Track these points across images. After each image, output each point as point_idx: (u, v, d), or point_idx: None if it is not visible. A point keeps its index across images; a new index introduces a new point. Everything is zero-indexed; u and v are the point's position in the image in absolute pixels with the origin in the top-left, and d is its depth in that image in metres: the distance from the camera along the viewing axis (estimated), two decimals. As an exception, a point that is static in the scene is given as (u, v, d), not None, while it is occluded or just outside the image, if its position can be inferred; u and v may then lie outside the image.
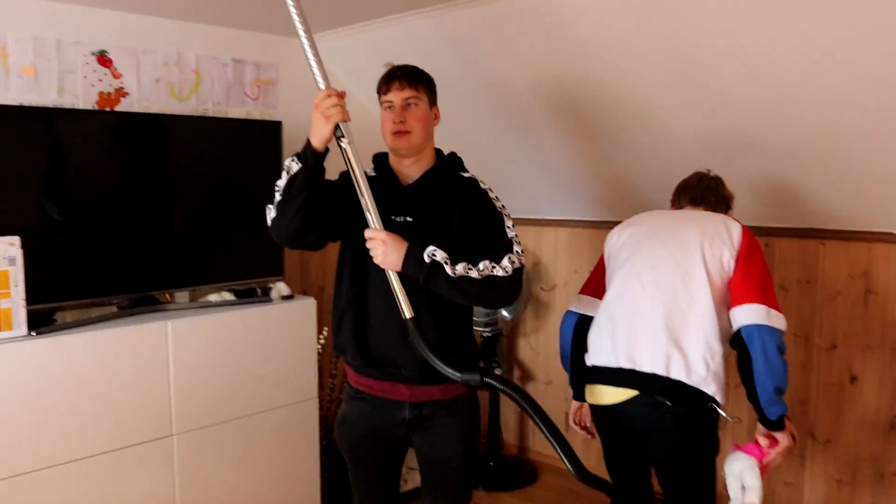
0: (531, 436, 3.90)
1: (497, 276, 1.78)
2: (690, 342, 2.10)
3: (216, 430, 2.55)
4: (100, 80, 2.65)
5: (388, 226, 1.81)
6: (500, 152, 3.37)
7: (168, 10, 2.71)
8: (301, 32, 1.74)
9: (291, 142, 2.91)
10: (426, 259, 1.74)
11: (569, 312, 2.42)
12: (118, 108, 2.69)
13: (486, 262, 1.79)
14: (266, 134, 2.84)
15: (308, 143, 1.73)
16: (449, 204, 1.90)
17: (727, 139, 2.64)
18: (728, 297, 2.14)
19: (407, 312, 1.76)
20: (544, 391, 3.82)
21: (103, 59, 2.66)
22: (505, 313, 3.54)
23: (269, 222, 1.82)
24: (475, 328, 3.51)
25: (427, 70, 1.96)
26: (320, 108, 1.70)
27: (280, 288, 2.79)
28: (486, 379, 1.72)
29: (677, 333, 2.11)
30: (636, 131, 2.84)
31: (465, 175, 1.98)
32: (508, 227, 1.89)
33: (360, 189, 1.77)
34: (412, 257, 1.74)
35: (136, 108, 2.73)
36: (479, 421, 2.04)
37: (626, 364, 2.15)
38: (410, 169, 1.93)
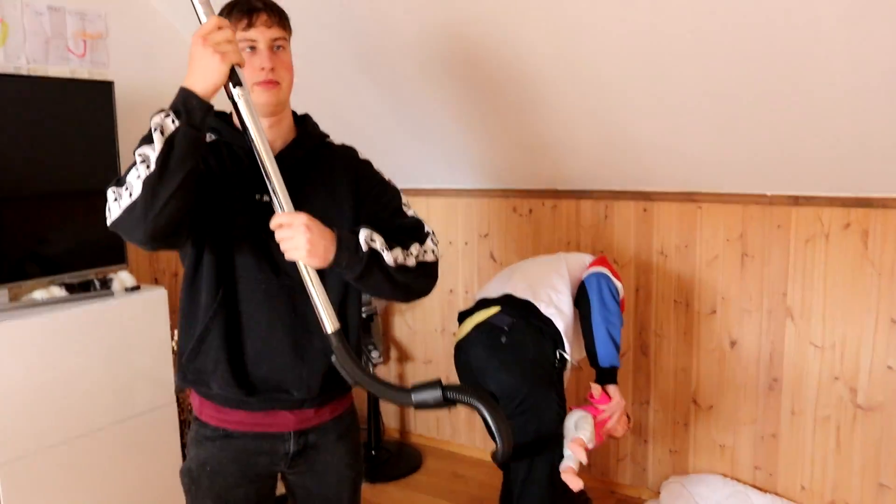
0: (412, 419, 3.71)
1: (428, 262, 1.50)
2: (538, 283, 2.43)
3: (52, 454, 2.14)
4: None
5: (253, 206, 1.44)
6: (361, 112, 3.09)
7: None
8: None
9: (125, 106, 2.49)
10: (363, 247, 1.38)
11: None
12: None
13: (416, 245, 1.48)
14: (95, 96, 2.40)
15: (187, 92, 1.27)
16: (328, 178, 1.55)
17: (606, 99, 2.52)
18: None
19: (330, 325, 1.34)
20: (424, 370, 3.63)
21: None
22: (379, 291, 3.29)
23: (116, 211, 1.28)
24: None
25: None
26: (211, 42, 1.25)
27: (123, 278, 2.39)
28: (450, 395, 1.30)
29: (531, 280, 2.45)
30: (513, 91, 2.65)
31: (336, 143, 1.65)
32: (406, 205, 1.59)
33: (262, 160, 1.33)
34: (346, 247, 1.35)
35: (-78, 65, 2.21)
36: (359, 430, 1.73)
37: (479, 296, 2.50)
38: (269, 132, 1.49)
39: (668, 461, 3.04)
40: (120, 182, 1.29)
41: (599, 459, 3.18)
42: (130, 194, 1.26)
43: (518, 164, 3.07)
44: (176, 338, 2.19)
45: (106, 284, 2.35)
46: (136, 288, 2.40)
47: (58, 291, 2.25)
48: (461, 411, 3.52)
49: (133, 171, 1.26)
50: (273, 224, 1.33)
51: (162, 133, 1.25)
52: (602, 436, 2.36)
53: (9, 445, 2.05)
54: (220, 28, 1.27)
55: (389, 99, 2.95)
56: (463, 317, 2.50)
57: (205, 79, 1.27)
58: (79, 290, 2.30)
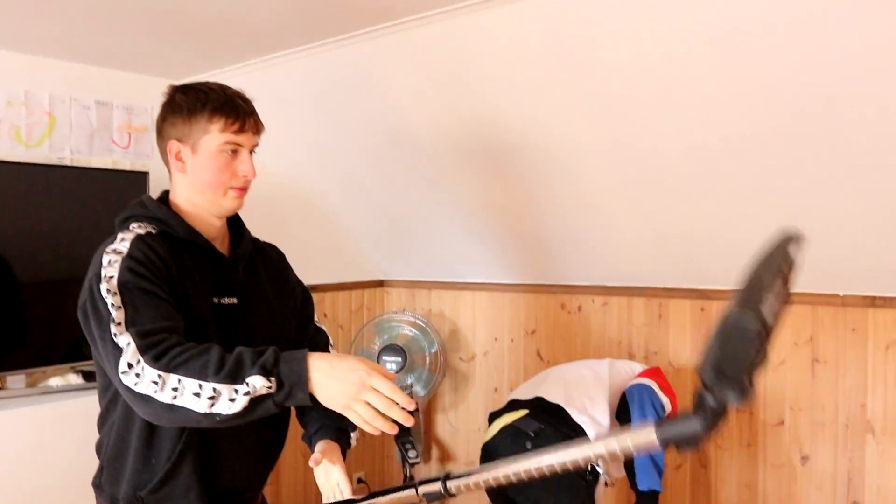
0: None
1: None
2: (574, 387, 2.27)
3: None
4: (-78, 122, 2.22)
5: (212, 309, 1.40)
6: (407, 208, 3.04)
7: (14, 41, 2.30)
8: None
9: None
10: None
11: None
12: (-55, 155, 2.25)
13: None
14: (130, 185, 2.43)
15: (305, 384, 1.17)
16: (274, 277, 1.57)
17: (656, 193, 2.37)
18: None
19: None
20: (466, 475, 3.40)
21: (-75, 96, 2.23)
22: (419, 388, 3.14)
23: (143, 389, 1.18)
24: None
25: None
26: (368, 397, 1.15)
27: (144, 367, 2.34)
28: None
29: (567, 385, 2.29)
30: (557, 184, 2.54)
31: (261, 240, 1.62)
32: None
33: None
34: None
35: (-31, 155, 2.29)
36: None
37: (511, 397, 2.37)
38: (218, 231, 1.48)
39: (733, 593, 2.68)
40: (170, 367, 1.19)
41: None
42: (174, 399, 1.17)
43: (566, 258, 2.92)
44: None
45: (126, 373, 2.30)
46: (155, 378, 2.34)
47: (74, 378, 2.22)
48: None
49: (193, 383, 1.17)
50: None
51: (250, 395, 1.15)
52: None
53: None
54: (389, 399, 1.15)
55: (430, 190, 2.89)
56: (493, 417, 2.34)
57: (327, 397, 1.17)
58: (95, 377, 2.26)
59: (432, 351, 3.15)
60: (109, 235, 1.44)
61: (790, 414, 2.57)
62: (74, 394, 2.15)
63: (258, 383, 1.15)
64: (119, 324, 1.25)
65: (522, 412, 2.22)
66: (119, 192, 2.42)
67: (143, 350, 1.21)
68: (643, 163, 2.29)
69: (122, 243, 1.36)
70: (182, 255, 1.39)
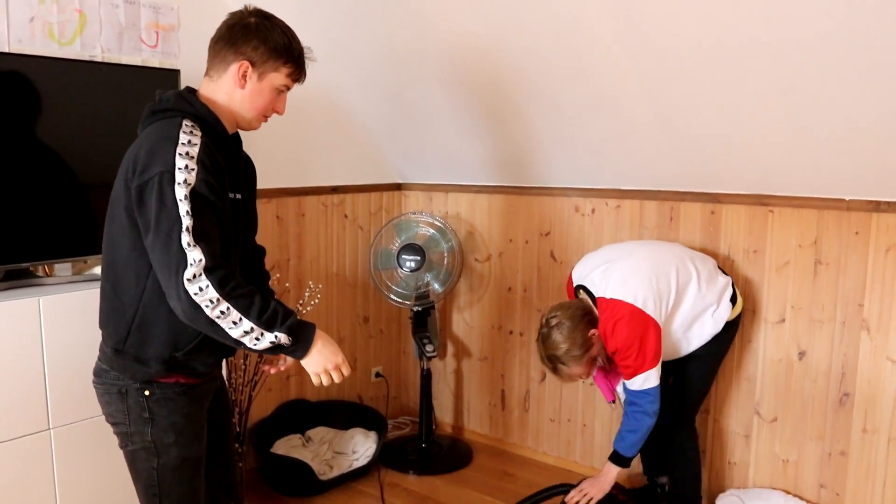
0: (466, 415, 3.68)
1: None
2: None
3: (101, 421, 2.23)
4: (-41, 18, 2.26)
5: (231, 203, 1.64)
6: (423, 112, 3.10)
7: (42, -64, 2.32)
8: None
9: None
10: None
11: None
12: (-17, 51, 2.31)
13: None
14: (162, 84, 2.48)
15: (307, 345, 1.60)
16: (247, 180, 1.80)
17: (673, 97, 2.43)
18: None
19: None
20: (479, 368, 3.60)
21: (-38, -9, 2.26)
22: (436, 286, 3.29)
23: (209, 310, 1.46)
24: (404, 301, 3.25)
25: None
26: (330, 370, 1.64)
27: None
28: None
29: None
30: (574, 87, 2.59)
31: None
32: None
33: None
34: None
35: (6, 51, 2.34)
36: None
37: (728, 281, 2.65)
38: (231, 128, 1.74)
39: (727, 473, 2.89)
40: (228, 297, 1.47)
41: (655, 469, 3.06)
42: (217, 319, 1.47)
43: (581, 162, 3.00)
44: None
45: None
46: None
47: (117, 269, 2.35)
48: (514, 410, 3.47)
49: (236, 315, 1.49)
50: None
51: (275, 343, 1.53)
52: None
53: (64, 410, 2.15)
54: (342, 375, 1.65)
55: (447, 97, 2.95)
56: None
57: (309, 360, 1.60)
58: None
59: (449, 250, 3.28)
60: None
61: (791, 312, 2.71)
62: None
63: (283, 339, 1.53)
64: (189, 231, 1.44)
65: None
66: (151, 90, 2.47)
67: (210, 271, 1.45)
68: (661, 67, 2.33)
69: (192, 147, 1.51)
70: (219, 149, 1.60)
